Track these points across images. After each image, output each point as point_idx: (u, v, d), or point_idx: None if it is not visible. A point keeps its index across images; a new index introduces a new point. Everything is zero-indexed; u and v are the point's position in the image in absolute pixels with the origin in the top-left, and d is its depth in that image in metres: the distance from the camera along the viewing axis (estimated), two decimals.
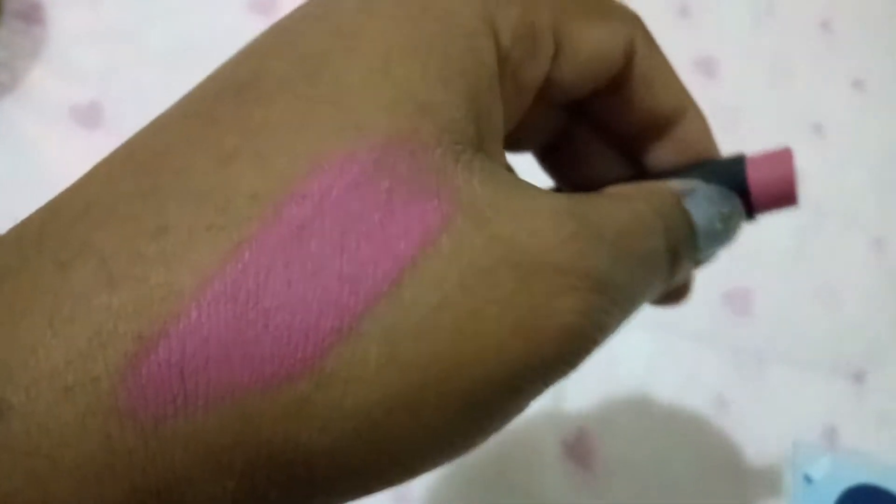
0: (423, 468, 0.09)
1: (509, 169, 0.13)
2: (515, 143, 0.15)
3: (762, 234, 0.34)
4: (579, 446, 0.28)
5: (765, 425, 0.29)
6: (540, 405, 0.28)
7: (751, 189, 0.14)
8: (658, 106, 0.14)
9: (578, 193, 0.11)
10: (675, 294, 0.16)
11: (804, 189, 0.35)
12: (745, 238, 0.32)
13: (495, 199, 0.09)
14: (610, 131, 0.15)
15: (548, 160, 0.16)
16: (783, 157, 0.14)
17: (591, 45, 0.12)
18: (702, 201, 0.13)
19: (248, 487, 0.09)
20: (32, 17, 0.33)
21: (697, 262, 0.13)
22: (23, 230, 0.09)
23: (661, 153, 0.15)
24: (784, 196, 0.14)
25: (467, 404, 0.09)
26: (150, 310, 0.08)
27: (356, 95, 0.09)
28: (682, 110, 0.14)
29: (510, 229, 0.09)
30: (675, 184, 0.13)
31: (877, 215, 0.34)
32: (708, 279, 0.32)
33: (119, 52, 0.32)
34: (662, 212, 0.12)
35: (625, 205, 0.11)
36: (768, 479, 0.28)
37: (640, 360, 0.30)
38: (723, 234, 0.13)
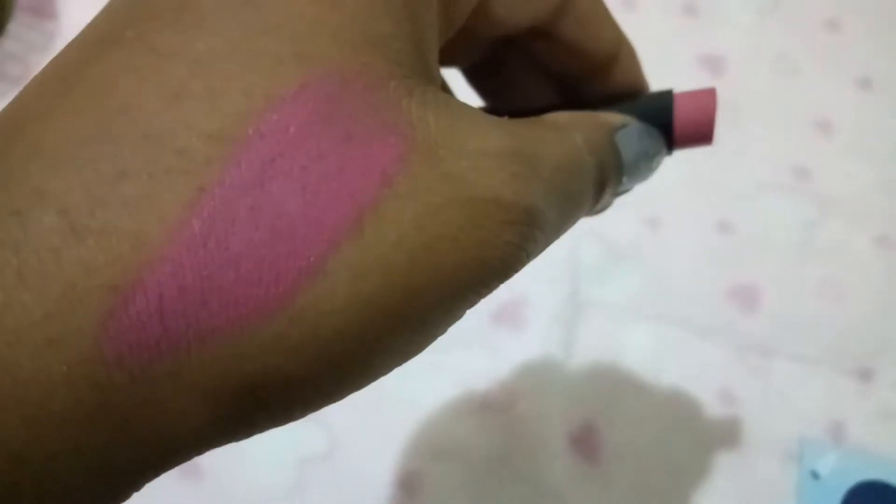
0: (375, 377, 0.10)
1: (446, 89, 0.14)
2: (442, 60, 0.15)
3: (768, 229, 0.34)
4: (585, 439, 0.28)
5: (771, 421, 0.29)
6: (546, 398, 0.28)
7: (675, 125, 0.15)
8: (593, 48, 0.14)
9: (520, 123, 0.11)
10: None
11: (811, 186, 0.35)
12: (752, 234, 0.33)
13: (447, 136, 0.10)
14: (543, 66, 0.15)
15: (476, 80, 0.16)
16: (708, 97, 0.15)
17: None
18: (632, 138, 0.13)
19: (236, 414, 0.09)
20: (44, 11, 0.33)
21: (616, 195, 0.14)
22: None
23: (594, 88, 0.15)
24: (703, 134, 0.15)
25: (421, 324, 0.10)
26: (121, 260, 0.09)
27: (304, 24, 0.09)
28: (617, 51, 0.14)
29: (460, 168, 0.10)
30: (611, 117, 0.14)
31: (883, 212, 0.34)
32: (714, 275, 0.32)
33: None
34: (596, 147, 0.13)
35: (562, 139, 0.12)
36: (774, 475, 0.28)
37: (646, 354, 0.30)
38: (644, 171, 0.14)
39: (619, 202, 0.19)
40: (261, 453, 0.27)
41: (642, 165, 0.14)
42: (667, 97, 0.15)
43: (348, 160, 0.09)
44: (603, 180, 0.13)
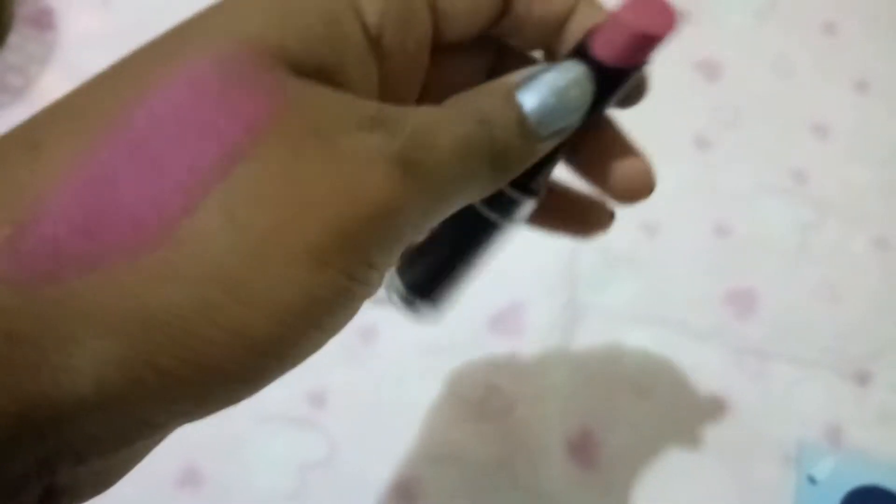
0: (300, 324, 0.11)
1: None
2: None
3: (766, 232, 0.34)
4: (583, 444, 0.28)
5: (768, 424, 0.29)
6: (544, 403, 0.28)
7: (592, 52, 0.14)
8: (544, 10, 0.15)
9: (395, 106, 0.12)
10: (588, 221, 0.18)
11: (808, 189, 0.35)
12: (749, 237, 0.33)
13: (322, 103, 0.11)
14: (523, 56, 0.16)
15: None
16: (636, 7, 0.14)
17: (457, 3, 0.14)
18: (536, 85, 0.14)
19: (133, 349, 0.10)
20: (44, 22, 0.34)
21: (544, 140, 0.14)
22: None
23: (566, 48, 0.15)
24: (642, 41, 0.14)
25: (315, 258, 0.11)
26: (22, 200, 0.10)
27: (216, 27, 0.12)
28: (572, 5, 0.15)
29: (331, 128, 0.11)
30: (514, 76, 0.14)
31: (880, 215, 0.34)
32: (711, 279, 0.32)
33: None
34: (482, 108, 0.13)
35: (434, 106, 0.13)
36: (772, 480, 0.28)
37: (643, 359, 0.30)
38: (560, 107, 0.14)
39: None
40: (261, 460, 0.27)
41: (553, 103, 0.14)
42: (588, 33, 0.15)
43: (221, 112, 0.11)
44: (495, 138, 0.13)
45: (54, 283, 0.10)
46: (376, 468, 0.27)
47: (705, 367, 0.30)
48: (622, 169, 0.16)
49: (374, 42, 0.13)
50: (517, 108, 0.13)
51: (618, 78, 0.15)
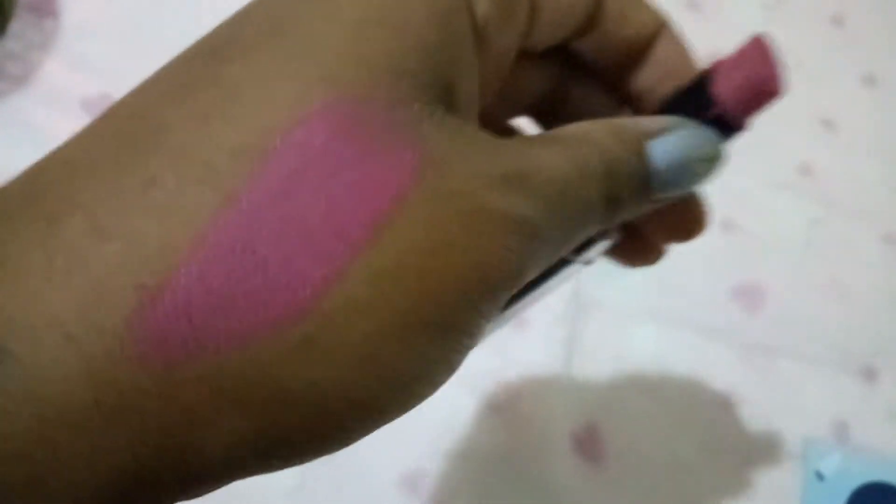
0: (422, 390, 0.11)
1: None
2: (508, 108, 0.16)
3: (773, 228, 0.33)
4: (589, 439, 0.28)
5: (775, 421, 0.29)
6: (550, 398, 0.28)
7: (720, 106, 0.13)
8: (632, 31, 0.14)
9: (528, 141, 0.12)
10: (644, 258, 0.17)
11: (816, 184, 0.35)
12: (756, 233, 0.32)
13: (457, 156, 0.11)
14: (596, 73, 0.15)
15: (547, 123, 0.16)
16: (755, 52, 0.13)
17: None
18: (670, 144, 0.13)
19: (268, 427, 0.09)
20: (44, 9, 0.33)
21: (656, 201, 0.14)
22: (4, 192, 0.10)
23: (645, 81, 0.15)
24: (764, 94, 0.13)
25: (443, 325, 0.10)
26: (148, 262, 0.09)
27: (331, 52, 0.10)
28: (656, 31, 0.15)
29: (466, 186, 0.10)
30: (648, 122, 0.13)
31: (888, 210, 0.33)
32: (718, 274, 0.32)
33: (130, 44, 0.32)
34: (610, 158, 0.12)
35: (563, 153, 0.12)
36: (778, 476, 0.28)
37: (649, 354, 0.30)
38: (689, 177, 0.14)
39: None
40: None
41: (686, 171, 0.13)
42: (705, 81, 0.14)
43: (367, 173, 0.10)
44: (615, 192, 0.13)
45: (187, 361, 0.09)
46: (380, 462, 0.27)
47: (712, 363, 0.30)
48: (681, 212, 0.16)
49: (480, 36, 0.12)
50: (645, 164, 0.13)
51: (727, 130, 0.14)
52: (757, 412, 0.29)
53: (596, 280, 0.31)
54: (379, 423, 0.10)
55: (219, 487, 0.10)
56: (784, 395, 0.29)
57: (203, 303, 0.09)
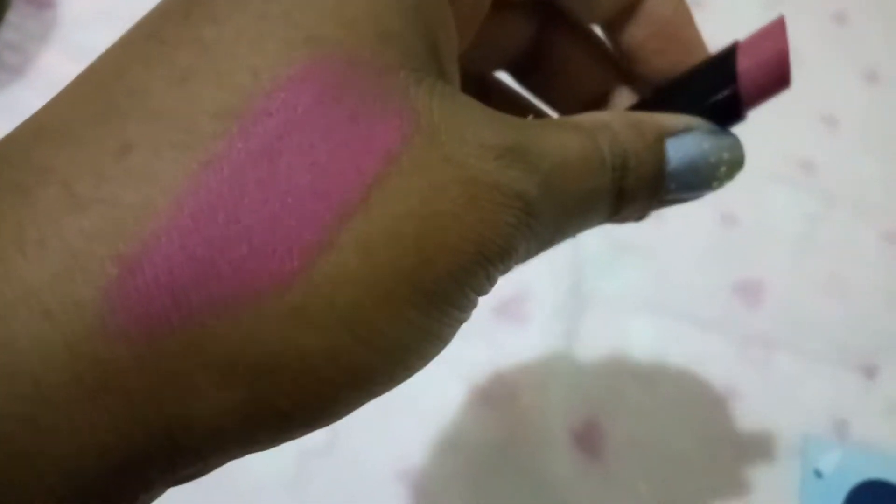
0: (412, 361, 0.10)
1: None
2: (484, 59, 0.15)
3: (773, 223, 0.33)
4: (587, 433, 0.28)
5: (774, 417, 0.29)
6: (549, 392, 0.28)
7: (741, 90, 0.13)
8: None
9: (530, 121, 0.11)
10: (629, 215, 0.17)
11: (817, 180, 0.35)
12: (756, 228, 0.32)
13: (450, 124, 0.10)
14: (580, 28, 0.15)
15: (525, 79, 0.16)
16: (776, 36, 0.13)
17: None
18: (689, 145, 0.13)
19: (256, 396, 0.09)
20: (43, 0, 0.33)
21: (666, 201, 0.13)
22: None
23: (634, 37, 0.14)
24: (778, 83, 0.13)
25: (435, 295, 0.10)
26: (125, 230, 0.08)
27: (315, 13, 0.10)
28: None
29: (460, 154, 0.10)
30: (667, 119, 0.13)
31: (888, 207, 0.33)
32: (718, 269, 0.32)
33: None
34: (623, 152, 0.12)
35: (575, 139, 0.12)
36: (777, 472, 0.28)
37: (649, 348, 0.30)
38: (702, 182, 0.13)
39: None
40: None
41: (703, 173, 0.13)
42: (728, 60, 0.13)
43: (354, 138, 0.09)
44: (625, 186, 0.12)
45: (171, 333, 0.08)
46: (377, 455, 0.27)
47: (711, 358, 0.29)
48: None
49: None
50: (661, 161, 0.12)
51: (730, 116, 0.14)
52: (756, 408, 0.29)
53: (595, 273, 0.31)
54: (370, 393, 0.10)
55: (208, 470, 0.10)
56: (783, 391, 0.29)
57: (184, 272, 0.08)
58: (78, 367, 0.08)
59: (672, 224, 0.32)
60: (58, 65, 0.31)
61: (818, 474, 0.28)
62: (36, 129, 0.09)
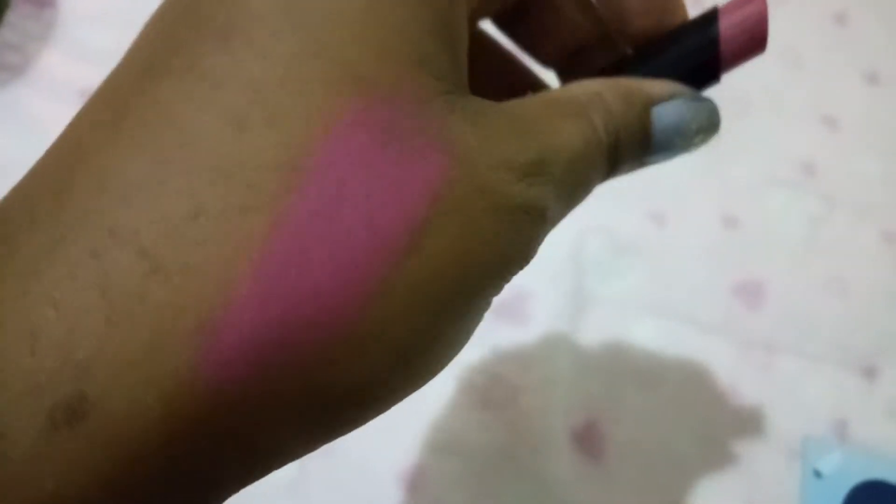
0: (435, 371, 0.11)
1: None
2: (472, 12, 0.15)
3: (773, 224, 0.33)
4: (588, 434, 0.28)
5: (774, 418, 0.29)
6: (549, 393, 0.28)
7: (721, 53, 0.14)
8: None
9: (539, 117, 0.12)
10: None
11: (817, 181, 0.35)
12: (757, 229, 0.32)
13: (482, 149, 0.11)
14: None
15: (508, 28, 0.16)
16: (755, 4, 0.14)
17: None
18: (672, 113, 0.13)
19: (317, 434, 0.10)
20: (43, 0, 0.33)
21: (645, 163, 0.14)
22: (30, 206, 0.09)
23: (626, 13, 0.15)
24: (755, 45, 0.14)
25: (462, 313, 0.11)
26: (208, 300, 0.09)
27: (353, 45, 0.10)
28: None
29: (492, 181, 0.11)
30: (654, 86, 0.13)
31: (889, 208, 0.33)
32: (719, 270, 0.32)
33: (130, 34, 0.32)
34: (616, 124, 0.13)
35: (576, 125, 0.12)
36: (778, 473, 0.28)
37: (649, 350, 0.30)
38: (682, 147, 0.14)
39: (622, 197, 0.19)
40: None
41: (679, 142, 0.14)
42: (711, 21, 0.14)
43: (401, 179, 0.10)
44: (618, 156, 0.13)
45: (251, 386, 0.09)
46: (378, 456, 0.27)
47: (711, 359, 0.29)
48: None
49: None
50: (647, 129, 0.13)
51: (705, 78, 0.14)
52: (757, 409, 0.29)
53: (596, 274, 0.31)
54: (391, 404, 0.11)
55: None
56: (784, 392, 0.29)
57: (265, 334, 0.09)
58: (175, 425, 0.09)
59: (672, 225, 0.32)
60: (58, 64, 0.31)
61: (818, 475, 0.28)
62: (96, 185, 0.09)
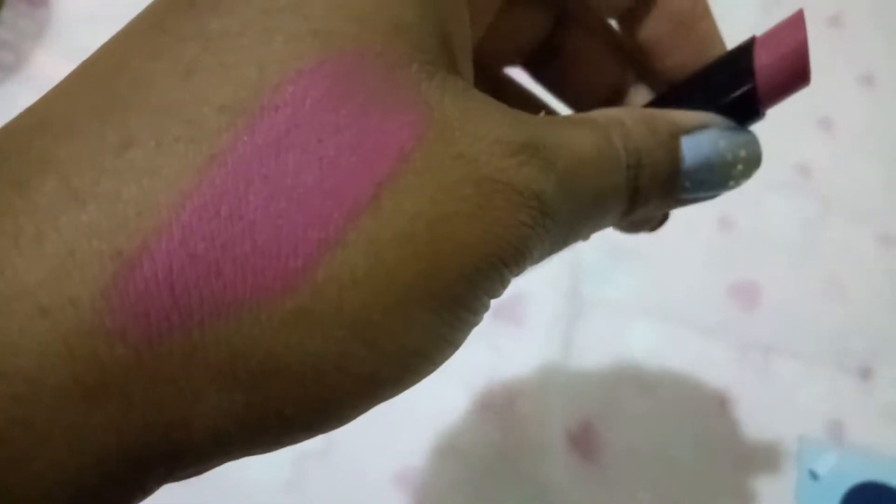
0: (423, 367, 0.10)
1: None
2: (497, 53, 0.15)
3: (770, 227, 0.33)
4: (584, 437, 0.28)
5: (770, 419, 0.29)
6: (546, 396, 0.28)
7: (759, 85, 0.13)
8: None
9: (544, 118, 0.11)
10: (643, 223, 0.16)
11: (813, 184, 0.35)
12: (753, 231, 0.32)
13: (463, 119, 0.10)
14: (596, 22, 0.14)
15: (538, 73, 0.16)
16: (794, 32, 0.13)
17: None
18: (705, 143, 0.12)
19: (259, 400, 0.09)
20: None
21: (681, 201, 0.13)
22: None
23: (653, 30, 0.14)
24: (796, 76, 0.13)
25: (448, 299, 0.09)
26: (126, 226, 0.08)
27: (323, 5, 0.09)
28: None
29: (474, 150, 0.10)
30: (682, 116, 0.13)
31: (884, 210, 0.33)
32: (715, 272, 0.32)
33: None
34: (637, 149, 0.12)
35: (589, 135, 0.11)
36: (773, 474, 0.28)
37: (646, 352, 0.30)
38: (720, 181, 0.13)
39: None
40: None
41: (716, 172, 0.13)
42: (745, 56, 0.13)
43: (365, 134, 0.09)
44: (638, 186, 0.12)
45: (171, 333, 0.08)
46: (374, 459, 0.27)
47: (708, 361, 0.30)
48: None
49: None
50: (675, 160, 0.12)
51: (748, 115, 0.13)
52: (753, 410, 0.29)
53: (593, 278, 0.31)
54: (376, 398, 0.10)
55: (206, 469, 0.09)
56: (780, 394, 0.29)
57: (186, 270, 0.08)
58: (75, 367, 0.08)
59: (669, 228, 0.32)
60: (51, 63, 0.31)
61: (814, 476, 0.28)
62: (35, 121, 0.09)
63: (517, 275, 0.11)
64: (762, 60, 0.13)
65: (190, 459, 0.09)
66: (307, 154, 0.09)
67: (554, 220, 0.10)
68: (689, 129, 0.12)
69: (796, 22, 0.13)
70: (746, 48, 0.13)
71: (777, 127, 0.35)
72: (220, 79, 0.09)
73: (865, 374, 0.30)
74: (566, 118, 0.12)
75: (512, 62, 0.16)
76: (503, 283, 0.10)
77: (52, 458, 0.08)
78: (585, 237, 0.12)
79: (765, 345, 0.30)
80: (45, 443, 0.08)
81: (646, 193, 0.12)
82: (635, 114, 0.12)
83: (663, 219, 0.15)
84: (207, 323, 0.08)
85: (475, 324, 0.10)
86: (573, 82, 0.15)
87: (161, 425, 0.08)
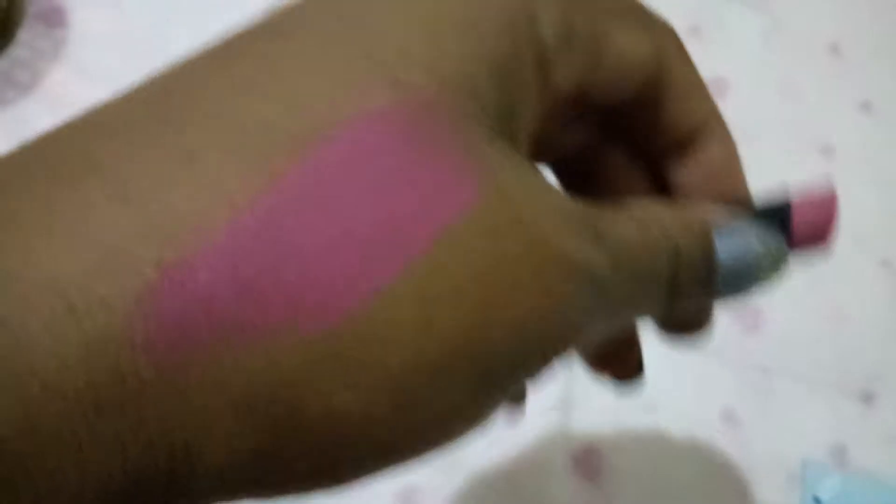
0: (444, 442, 0.09)
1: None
2: (537, 150, 0.15)
3: None
4: (587, 461, 0.28)
5: (773, 443, 0.29)
6: (549, 420, 0.28)
7: (794, 238, 0.13)
8: (682, 119, 0.13)
9: (594, 203, 0.11)
10: (688, 326, 0.16)
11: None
12: None
13: (523, 186, 0.09)
14: (634, 146, 0.15)
15: (566, 176, 0.16)
16: (827, 206, 0.14)
17: (625, 50, 0.12)
18: (736, 239, 0.12)
19: (270, 446, 0.08)
20: (54, 19, 0.34)
21: (717, 298, 0.13)
22: (21, 153, 0.09)
23: (687, 176, 0.14)
24: (819, 242, 0.14)
25: (487, 374, 0.09)
26: (172, 235, 0.08)
27: (397, 48, 0.09)
28: (707, 128, 0.14)
29: (533, 216, 0.09)
30: (711, 212, 0.13)
31: (885, 236, 0.34)
32: None
33: (140, 54, 0.32)
34: (676, 241, 0.12)
35: (631, 220, 0.11)
36: (776, 498, 0.28)
37: (648, 374, 0.30)
38: (752, 279, 0.13)
39: None
40: None
41: (747, 272, 0.12)
42: (783, 205, 0.14)
43: (428, 184, 0.09)
44: (679, 278, 0.12)
45: (198, 354, 0.08)
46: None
47: (710, 384, 0.30)
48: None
49: (540, 61, 0.10)
50: (710, 256, 0.12)
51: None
52: (755, 434, 0.29)
53: None
54: (389, 467, 0.09)
55: None
56: (782, 417, 0.29)
57: (228, 291, 0.08)
58: (94, 375, 0.07)
59: None
60: (67, 83, 0.32)
61: (818, 501, 0.28)
62: (91, 123, 0.09)
63: (561, 359, 0.10)
64: (800, 227, 0.14)
65: (188, 494, 0.08)
66: (368, 193, 0.08)
67: (606, 300, 0.10)
68: (722, 226, 0.12)
69: (830, 200, 0.14)
70: (783, 208, 0.14)
71: (777, 153, 0.35)
72: (286, 104, 0.09)
73: (867, 398, 0.30)
74: (609, 204, 0.12)
75: (544, 163, 0.16)
76: (546, 366, 0.10)
77: (50, 468, 0.07)
78: (625, 322, 0.12)
79: (767, 368, 0.30)
80: (47, 452, 0.07)
81: (685, 288, 0.12)
82: (671, 209, 0.12)
83: (706, 321, 0.15)
84: (239, 350, 0.08)
85: (500, 408, 0.10)
86: (595, 185, 0.15)
87: (167, 451, 0.08)
